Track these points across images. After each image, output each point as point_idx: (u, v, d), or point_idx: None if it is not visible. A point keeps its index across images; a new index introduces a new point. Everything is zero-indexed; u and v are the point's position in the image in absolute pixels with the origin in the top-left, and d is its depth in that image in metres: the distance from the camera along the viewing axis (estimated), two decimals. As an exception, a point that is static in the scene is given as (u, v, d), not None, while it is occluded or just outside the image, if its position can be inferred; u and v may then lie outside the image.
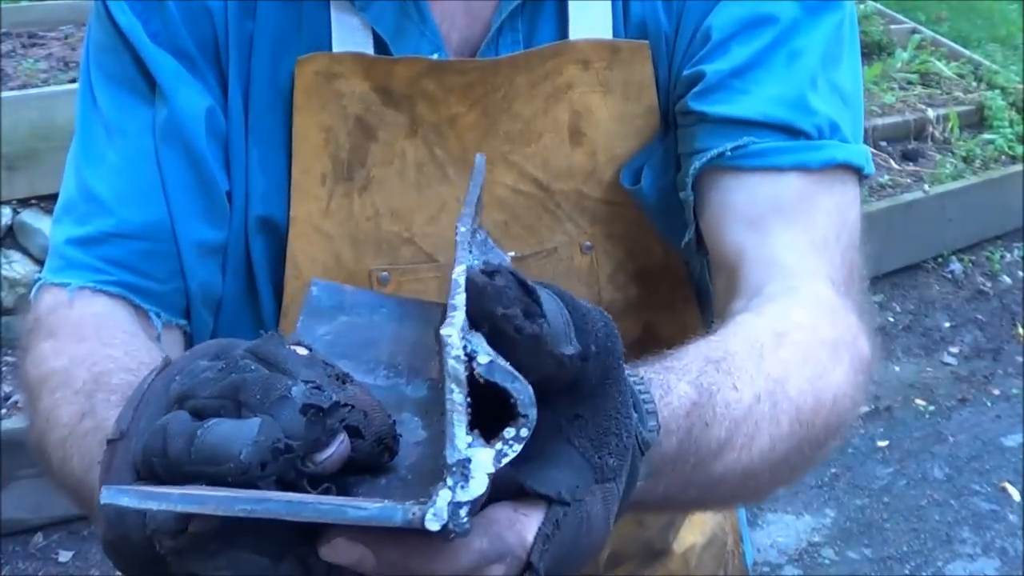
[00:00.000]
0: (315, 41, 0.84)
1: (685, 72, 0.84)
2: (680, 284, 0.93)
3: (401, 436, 0.52)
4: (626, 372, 0.52)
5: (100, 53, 0.86)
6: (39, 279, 0.86)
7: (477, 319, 0.47)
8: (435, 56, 0.83)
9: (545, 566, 0.48)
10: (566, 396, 0.50)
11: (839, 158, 0.82)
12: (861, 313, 0.80)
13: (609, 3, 0.85)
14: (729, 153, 0.81)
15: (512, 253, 0.87)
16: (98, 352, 0.75)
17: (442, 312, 0.55)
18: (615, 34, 0.86)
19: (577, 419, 0.50)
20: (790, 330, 0.72)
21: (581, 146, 0.86)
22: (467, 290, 0.47)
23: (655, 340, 0.85)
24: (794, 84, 0.82)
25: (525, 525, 0.48)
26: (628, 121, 0.86)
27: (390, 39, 0.84)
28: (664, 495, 0.62)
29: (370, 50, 0.84)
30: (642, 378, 0.57)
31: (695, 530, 1.07)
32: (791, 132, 0.81)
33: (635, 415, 0.53)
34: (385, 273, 0.86)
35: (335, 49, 0.84)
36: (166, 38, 0.83)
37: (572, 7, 0.85)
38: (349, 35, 0.84)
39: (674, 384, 0.61)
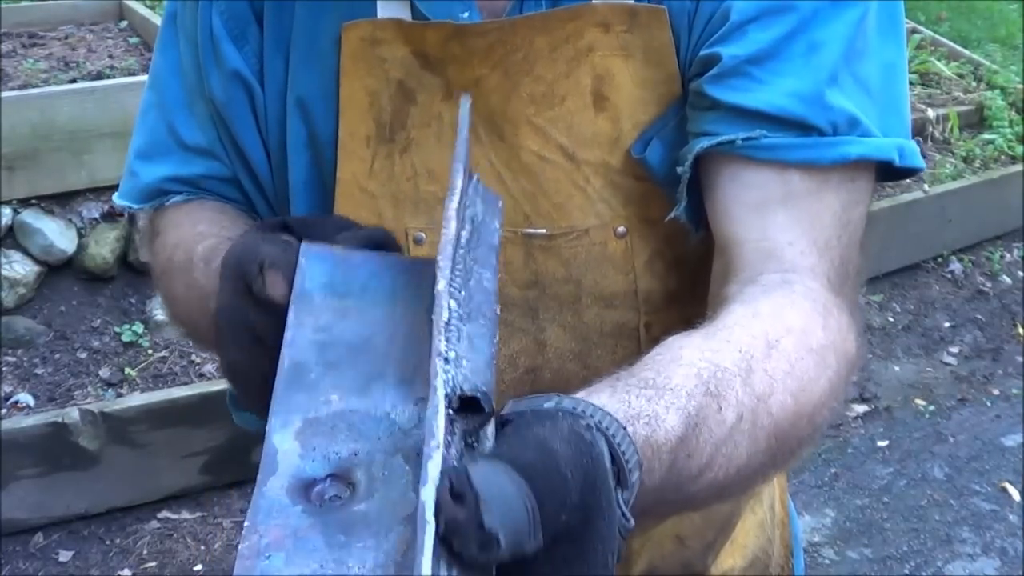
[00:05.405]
0: (354, 5, 0.88)
1: (702, 52, 0.83)
2: None
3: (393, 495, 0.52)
4: (611, 492, 0.53)
5: (183, 16, 0.96)
6: (142, 207, 1.00)
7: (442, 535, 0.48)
8: (465, 15, 0.85)
9: None
10: (548, 548, 0.50)
11: (852, 154, 0.81)
12: (852, 311, 0.80)
13: None
14: (740, 143, 0.80)
15: (542, 230, 0.88)
16: (189, 233, 0.91)
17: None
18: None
19: (566, 562, 0.50)
20: (781, 336, 0.72)
21: (605, 111, 0.85)
22: (435, 513, 0.47)
23: None
24: (811, 78, 0.80)
25: None
26: (651, 87, 0.85)
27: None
28: (643, 509, 0.63)
29: (408, 14, 0.87)
30: (626, 431, 0.57)
31: (735, 553, 1.06)
32: (804, 128, 0.80)
33: (619, 512, 0.53)
34: (421, 234, 0.89)
35: (379, 15, 0.87)
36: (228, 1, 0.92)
37: None
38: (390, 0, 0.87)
39: (663, 416, 0.61)
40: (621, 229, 0.88)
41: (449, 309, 0.56)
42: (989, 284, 4.07)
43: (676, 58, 0.85)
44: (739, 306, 0.75)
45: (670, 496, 0.63)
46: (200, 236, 0.89)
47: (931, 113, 4.56)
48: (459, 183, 0.62)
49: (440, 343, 0.53)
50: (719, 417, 0.65)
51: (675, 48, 0.84)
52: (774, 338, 0.72)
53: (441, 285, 0.56)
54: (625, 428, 0.57)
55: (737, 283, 0.80)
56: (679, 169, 0.83)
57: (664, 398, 0.63)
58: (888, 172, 0.85)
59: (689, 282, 0.90)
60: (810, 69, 0.81)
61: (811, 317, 0.75)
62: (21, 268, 3.02)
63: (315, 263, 0.64)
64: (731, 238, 0.82)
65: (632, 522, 0.54)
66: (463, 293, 0.58)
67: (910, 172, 0.86)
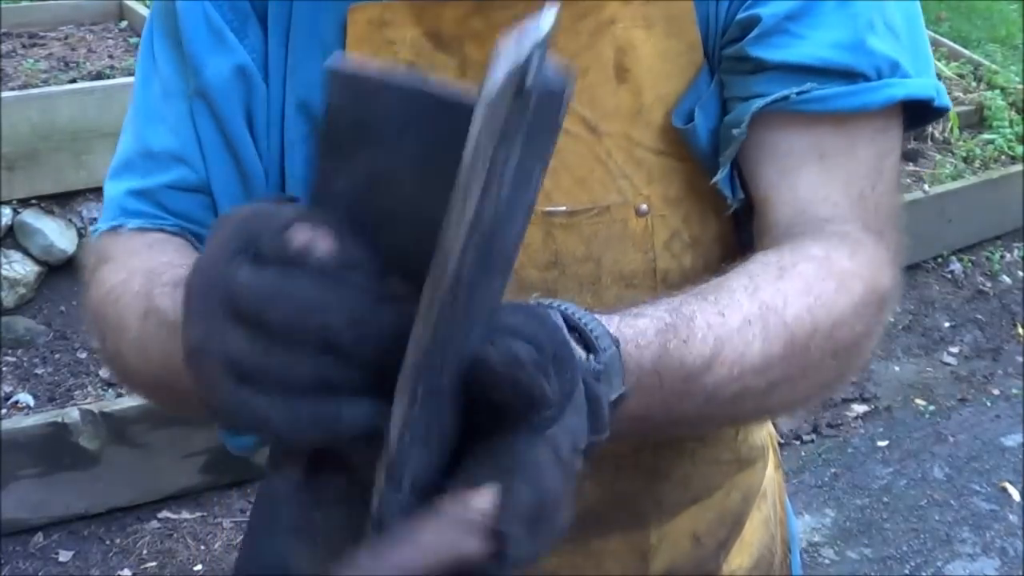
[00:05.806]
0: None
1: (739, 15, 0.84)
2: (734, 256, 0.93)
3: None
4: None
5: (162, 15, 0.91)
6: (95, 229, 0.91)
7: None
8: None
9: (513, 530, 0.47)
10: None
11: (899, 95, 0.83)
12: (895, 252, 0.82)
13: None
14: (794, 97, 0.81)
15: (563, 207, 0.87)
16: (152, 260, 0.82)
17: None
18: None
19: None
20: (799, 262, 0.74)
21: (626, 83, 0.86)
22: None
23: None
24: (849, 27, 0.82)
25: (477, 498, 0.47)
26: (672, 58, 0.86)
27: None
28: (662, 407, 0.65)
29: None
30: (584, 311, 0.58)
31: (743, 552, 1.07)
32: (850, 76, 0.82)
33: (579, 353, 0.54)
34: None
35: None
36: None
37: None
38: None
39: (647, 311, 0.65)
40: (643, 207, 0.88)
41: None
42: (989, 284, 4.07)
43: (697, 27, 0.85)
44: (761, 252, 0.77)
45: (683, 386, 0.65)
46: (167, 265, 0.81)
47: (931, 113, 4.56)
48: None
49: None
50: (719, 319, 0.67)
51: (698, 17, 0.85)
52: (790, 263, 0.73)
53: (393, 434, 0.46)
54: (583, 311, 0.58)
55: (773, 240, 0.81)
56: (735, 131, 0.84)
57: (652, 303, 0.66)
58: (915, 118, 0.87)
59: (703, 263, 0.91)
60: (846, 19, 0.82)
61: (837, 248, 0.77)
62: (21, 268, 3.02)
63: (345, 93, 0.52)
64: (768, 197, 0.84)
65: (614, 350, 0.56)
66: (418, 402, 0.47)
67: (938, 113, 0.87)
